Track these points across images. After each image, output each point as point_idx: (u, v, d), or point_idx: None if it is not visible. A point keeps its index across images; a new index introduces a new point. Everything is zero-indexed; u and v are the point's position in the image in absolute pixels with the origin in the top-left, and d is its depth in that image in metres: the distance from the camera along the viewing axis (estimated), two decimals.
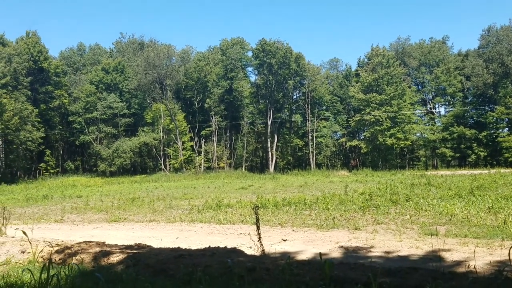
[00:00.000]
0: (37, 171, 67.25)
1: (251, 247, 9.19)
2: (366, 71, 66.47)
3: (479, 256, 8.02)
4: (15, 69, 62.84)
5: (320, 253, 6.99)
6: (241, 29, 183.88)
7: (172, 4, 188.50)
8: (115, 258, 8.15)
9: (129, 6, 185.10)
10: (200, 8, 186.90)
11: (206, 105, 69.91)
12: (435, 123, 70.01)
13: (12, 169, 63.55)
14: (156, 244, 10.53)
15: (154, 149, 69.50)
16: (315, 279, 5.73)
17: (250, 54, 77.54)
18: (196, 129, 70.65)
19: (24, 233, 9.04)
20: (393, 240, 10.49)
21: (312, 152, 70.88)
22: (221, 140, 73.32)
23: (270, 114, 68.62)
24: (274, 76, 67.95)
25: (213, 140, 70.93)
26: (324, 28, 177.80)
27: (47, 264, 6.46)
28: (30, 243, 8.92)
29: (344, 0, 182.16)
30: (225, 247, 8.76)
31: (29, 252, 9.11)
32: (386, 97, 62.98)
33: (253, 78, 79.82)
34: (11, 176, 60.00)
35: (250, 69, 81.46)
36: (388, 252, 9.14)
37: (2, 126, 54.63)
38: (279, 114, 71.27)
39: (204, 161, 69.68)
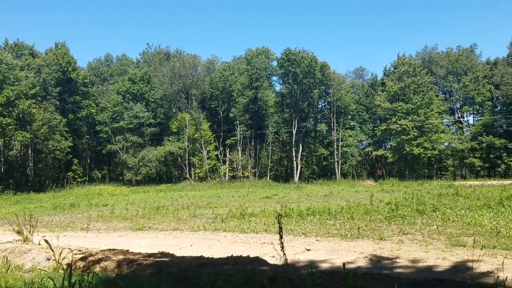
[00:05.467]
0: (65, 179, 68.43)
1: (273, 256, 9.12)
2: (392, 80, 65.79)
3: (509, 267, 7.77)
4: (44, 79, 64.38)
5: (343, 263, 6.88)
6: (266, 39, 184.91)
7: (197, 15, 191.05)
8: (138, 266, 8.18)
9: (156, 18, 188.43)
10: (226, 19, 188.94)
11: (231, 115, 70.22)
12: (463, 132, 68.70)
13: (40, 177, 64.77)
14: (179, 252, 10.55)
15: (179, 158, 70.02)
16: None
17: (275, 63, 77.73)
18: (221, 139, 70.99)
19: (46, 241, 9.16)
20: (419, 251, 10.26)
21: (338, 162, 70.34)
22: (246, 149, 73.41)
23: (295, 123, 68.45)
24: (299, 85, 67.88)
25: (237, 149, 71.08)
26: (349, 37, 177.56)
27: (69, 270, 6.51)
28: (53, 250, 9.02)
29: (370, 9, 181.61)
30: (248, 256, 8.71)
31: (54, 260, 9.23)
32: (412, 106, 62.14)
33: (278, 87, 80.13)
34: (40, 185, 61.17)
35: (275, 78, 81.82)
36: (413, 263, 8.94)
37: (31, 136, 55.79)
38: (304, 124, 71.02)
39: (228, 170, 69.85)
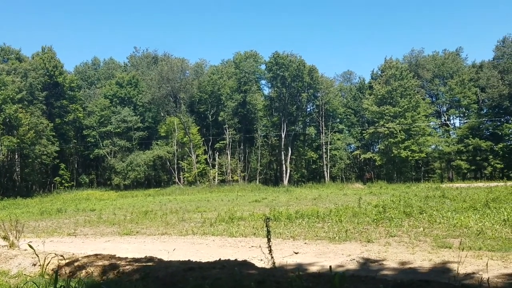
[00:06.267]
0: (52, 184, 67.82)
1: (261, 259, 9.12)
2: (379, 84, 66.26)
3: (493, 269, 7.85)
4: (31, 84, 63.87)
5: (330, 266, 6.90)
6: (255, 43, 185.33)
7: (185, 19, 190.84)
8: (124, 271, 8.13)
9: (143, 21, 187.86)
10: (214, 22, 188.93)
11: (220, 118, 70.15)
12: (450, 135, 69.35)
13: (27, 183, 64.13)
14: (166, 257, 10.50)
15: (168, 163, 69.77)
16: None
17: (263, 67, 77.92)
18: (210, 142, 70.86)
19: (31, 246, 9.08)
20: (405, 252, 10.33)
21: (327, 165, 70.58)
22: (235, 153, 73.36)
23: (284, 127, 68.62)
24: (287, 89, 68.09)
25: (227, 153, 71.02)
26: (337, 41, 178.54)
27: (56, 275, 6.46)
28: (37, 256, 8.96)
29: (357, 14, 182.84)
30: (236, 259, 8.70)
31: (40, 265, 9.14)
32: (400, 109, 62.61)
33: (266, 91, 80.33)
34: (27, 190, 60.57)
35: (263, 82, 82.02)
36: (400, 265, 9.00)
37: (18, 140, 55.24)
38: (293, 127, 71.22)
39: (218, 174, 69.72)
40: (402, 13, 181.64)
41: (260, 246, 9.94)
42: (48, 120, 63.99)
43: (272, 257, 8.43)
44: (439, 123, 71.90)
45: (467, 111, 69.27)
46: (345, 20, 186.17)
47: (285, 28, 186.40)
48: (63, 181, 67.64)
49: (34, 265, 9.44)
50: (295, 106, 71.15)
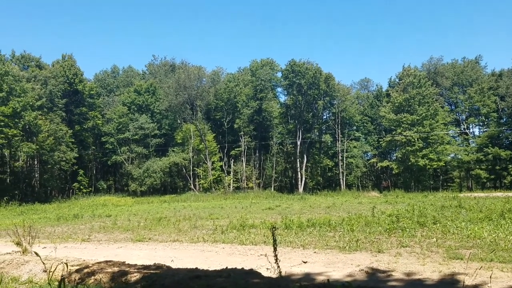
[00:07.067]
0: (71, 190, 68.56)
1: (268, 269, 9.10)
2: (397, 91, 65.77)
3: (503, 280, 7.73)
4: (51, 91, 64.87)
5: (328, 279, 6.88)
6: (271, 51, 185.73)
7: (203, 27, 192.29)
8: (132, 278, 8.20)
9: (162, 30, 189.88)
10: (231, 31, 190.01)
11: (235, 126, 70.36)
12: (469, 143, 68.36)
13: (46, 188, 64.89)
14: (175, 264, 10.57)
15: (184, 169, 70.11)
16: None
17: (279, 75, 78.02)
18: (226, 149, 71.05)
19: (37, 253, 9.20)
20: (416, 263, 10.21)
21: (342, 173, 70.20)
22: (250, 160, 73.39)
23: (299, 134, 68.50)
24: (303, 97, 68.03)
25: (242, 160, 71.09)
26: (355, 48, 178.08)
27: (62, 283, 6.54)
28: (44, 263, 9.07)
29: (375, 21, 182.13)
30: (242, 268, 8.71)
31: (52, 271, 9.26)
32: (417, 117, 62.01)
33: (282, 98, 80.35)
34: (45, 196, 61.30)
35: (279, 89, 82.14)
36: (409, 276, 8.90)
37: (37, 147, 56.00)
38: (309, 134, 71.03)
39: (233, 181, 69.84)
40: (421, 22, 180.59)
41: (265, 255, 9.93)
42: (67, 126, 64.72)
43: (278, 266, 8.41)
44: (458, 131, 70.95)
45: (486, 120, 68.29)
46: (363, 28, 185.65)
47: (302, 36, 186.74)
48: (81, 187, 68.30)
49: (45, 271, 9.57)
50: (311, 114, 70.99)
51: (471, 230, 14.46)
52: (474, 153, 64.41)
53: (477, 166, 64.03)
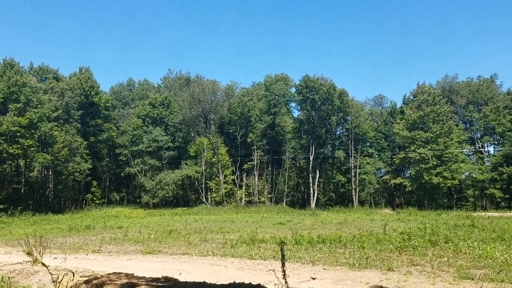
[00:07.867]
0: (84, 201, 68.96)
1: (276, 284, 9.07)
2: (411, 108, 65.43)
3: None
4: (67, 103, 65.70)
5: None
6: (285, 66, 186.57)
7: (219, 42, 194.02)
8: None
9: (178, 44, 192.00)
10: (246, 46, 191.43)
11: (248, 140, 70.48)
12: (484, 162, 67.49)
13: (60, 199, 65.35)
14: (183, 277, 10.58)
15: (196, 182, 70.25)
16: None
17: (293, 90, 78.17)
18: (238, 163, 71.12)
19: (44, 264, 9.29)
20: (426, 283, 10.10)
21: (355, 189, 69.75)
22: (263, 174, 73.34)
23: (312, 150, 68.38)
24: (317, 112, 68.04)
25: (254, 174, 71.05)
26: (369, 65, 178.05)
27: None
28: (51, 274, 9.15)
29: (390, 38, 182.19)
30: (250, 283, 8.71)
31: (60, 282, 9.34)
32: (432, 135, 61.53)
33: (296, 113, 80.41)
34: (59, 206, 61.65)
35: (293, 104, 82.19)
36: None
37: (52, 158, 56.56)
38: (322, 150, 70.84)
39: (245, 195, 69.72)
40: (436, 40, 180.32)
41: (273, 270, 9.90)
42: (82, 138, 65.39)
43: (286, 282, 8.38)
44: (473, 150, 70.18)
45: (501, 139, 67.49)
46: (378, 45, 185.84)
47: (317, 52, 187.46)
48: (94, 198, 68.65)
49: (54, 281, 9.66)
50: (324, 129, 70.92)
51: (483, 250, 14.27)
52: (489, 172, 63.60)
53: (492, 185, 63.15)
